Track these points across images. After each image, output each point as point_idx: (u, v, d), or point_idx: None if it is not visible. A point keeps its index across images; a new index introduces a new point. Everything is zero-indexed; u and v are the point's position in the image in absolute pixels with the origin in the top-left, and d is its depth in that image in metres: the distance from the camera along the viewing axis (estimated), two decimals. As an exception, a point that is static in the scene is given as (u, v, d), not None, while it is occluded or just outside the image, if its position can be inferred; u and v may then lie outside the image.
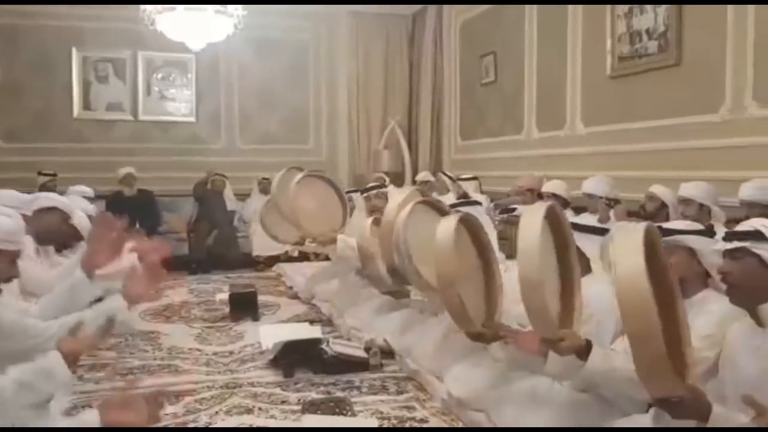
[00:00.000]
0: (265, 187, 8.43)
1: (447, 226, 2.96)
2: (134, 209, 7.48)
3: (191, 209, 8.11)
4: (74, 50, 8.27)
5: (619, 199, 4.81)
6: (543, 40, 6.64)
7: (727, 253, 2.14)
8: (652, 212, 4.44)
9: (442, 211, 3.95)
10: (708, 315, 2.36)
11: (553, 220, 2.60)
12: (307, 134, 9.28)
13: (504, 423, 2.88)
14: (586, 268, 2.88)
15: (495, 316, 3.00)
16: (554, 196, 5.32)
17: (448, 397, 3.32)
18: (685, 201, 4.13)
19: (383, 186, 5.90)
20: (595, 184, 4.95)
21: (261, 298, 5.56)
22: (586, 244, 2.90)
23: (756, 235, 2.07)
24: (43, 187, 7.33)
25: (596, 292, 2.70)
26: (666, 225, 2.60)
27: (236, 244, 8.00)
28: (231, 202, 8.25)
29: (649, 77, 5.23)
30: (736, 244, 2.11)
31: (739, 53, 4.47)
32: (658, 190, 4.54)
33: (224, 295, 5.60)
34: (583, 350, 2.30)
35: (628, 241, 1.89)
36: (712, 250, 2.44)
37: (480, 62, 7.76)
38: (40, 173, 7.54)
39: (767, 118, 4.32)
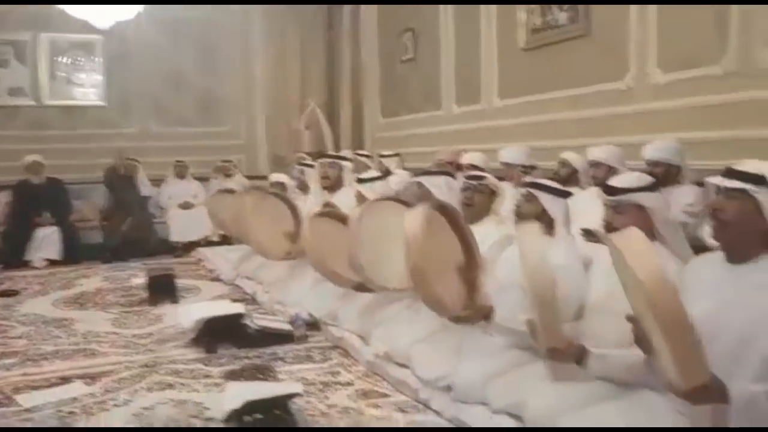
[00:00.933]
0: (180, 171, 8.25)
1: (414, 217, 2.85)
2: (43, 198, 7.18)
3: (103, 196, 7.78)
4: (-30, 33, 7.79)
5: (535, 166, 4.94)
6: (459, 15, 6.71)
7: (725, 191, 2.08)
8: (565, 177, 4.57)
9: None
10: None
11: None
12: (224, 117, 9.07)
13: (429, 377, 2.92)
14: (550, 229, 2.92)
15: (476, 298, 2.92)
16: (473, 167, 5.42)
17: (374, 358, 3.34)
18: (595, 164, 4.26)
19: (342, 158, 5.79)
20: (511, 153, 5.06)
21: (180, 282, 5.43)
22: (552, 206, 2.93)
23: (758, 180, 2.01)
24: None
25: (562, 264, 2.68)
26: (613, 182, 2.60)
27: (152, 230, 7.75)
28: (145, 188, 7.97)
29: (560, 48, 5.37)
30: (736, 183, 2.04)
31: (642, 23, 4.63)
32: (569, 156, 4.69)
33: (141, 280, 5.42)
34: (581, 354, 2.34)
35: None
36: (661, 205, 2.50)
37: (399, 39, 7.78)
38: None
39: (669, 84, 4.51)
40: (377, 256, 3.44)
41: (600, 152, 4.28)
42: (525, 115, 5.84)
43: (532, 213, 2.92)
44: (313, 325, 4.10)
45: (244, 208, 5.26)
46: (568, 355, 2.35)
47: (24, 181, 7.20)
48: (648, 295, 1.73)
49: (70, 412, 2.90)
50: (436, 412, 2.82)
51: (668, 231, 2.45)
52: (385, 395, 3.07)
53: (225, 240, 7.48)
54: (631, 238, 1.87)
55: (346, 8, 8.76)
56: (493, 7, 6.13)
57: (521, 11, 5.69)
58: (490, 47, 6.24)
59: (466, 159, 5.51)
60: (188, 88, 8.81)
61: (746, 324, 1.92)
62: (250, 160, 9.04)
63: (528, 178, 3.60)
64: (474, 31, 6.37)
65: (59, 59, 8.25)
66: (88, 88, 8.43)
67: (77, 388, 3.18)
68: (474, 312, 2.82)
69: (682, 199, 3.73)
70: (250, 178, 8.25)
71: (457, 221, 3.11)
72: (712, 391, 1.81)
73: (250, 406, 2.59)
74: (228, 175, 8.21)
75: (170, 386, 3.21)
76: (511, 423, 2.51)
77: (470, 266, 3.00)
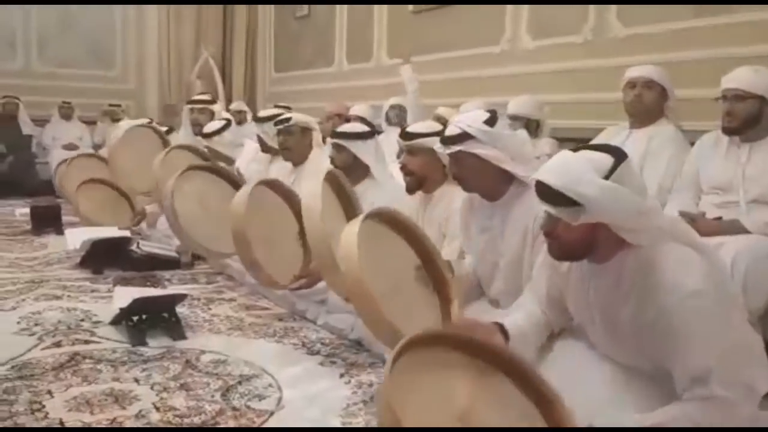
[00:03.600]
0: (66, 112, 8.05)
1: (239, 197, 3.09)
2: None
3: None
4: None
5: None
6: (352, -26, 6.97)
7: (452, 157, 2.39)
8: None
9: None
10: (449, 208, 2.78)
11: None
12: (113, 61, 8.89)
13: (306, 292, 3.21)
14: (366, 173, 3.26)
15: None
16: (360, 119, 5.74)
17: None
18: (515, 118, 4.30)
19: (210, 102, 5.83)
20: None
21: (65, 219, 5.41)
22: (361, 150, 3.25)
23: (464, 137, 2.32)
24: None
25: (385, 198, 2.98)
26: (408, 128, 2.95)
27: (34, 170, 7.57)
28: (27, 126, 7.74)
29: (445, 12, 5.77)
30: (451, 148, 2.36)
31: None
32: (443, 111, 5.08)
33: (24, 210, 5.38)
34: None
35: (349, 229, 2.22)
36: None
37: (294, -5, 7.94)
38: None
39: (537, 50, 5.01)
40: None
41: (516, 106, 4.33)
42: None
43: (346, 162, 3.25)
44: (199, 257, 4.30)
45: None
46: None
47: None
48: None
49: (-44, 317, 2.99)
50: (311, 321, 3.14)
51: None
52: (266, 309, 3.35)
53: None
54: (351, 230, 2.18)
55: (244, -40, 8.78)
56: (386, -32, 6.43)
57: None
58: (381, 8, 6.55)
59: (353, 111, 5.82)
60: (76, 28, 8.55)
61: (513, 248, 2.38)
62: (139, 106, 8.92)
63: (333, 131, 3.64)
64: (368, -9, 6.66)
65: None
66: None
67: (-39, 298, 3.26)
68: (312, 279, 2.97)
69: (540, 149, 4.21)
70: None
71: (284, 192, 3.37)
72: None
73: (138, 305, 2.80)
74: (116, 120, 8.08)
75: (57, 297, 3.35)
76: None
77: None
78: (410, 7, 6.13)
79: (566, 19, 4.71)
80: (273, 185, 3.41)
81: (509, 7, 5.16)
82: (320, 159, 3.88)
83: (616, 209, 1.66)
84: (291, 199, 3.36)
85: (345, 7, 7.12)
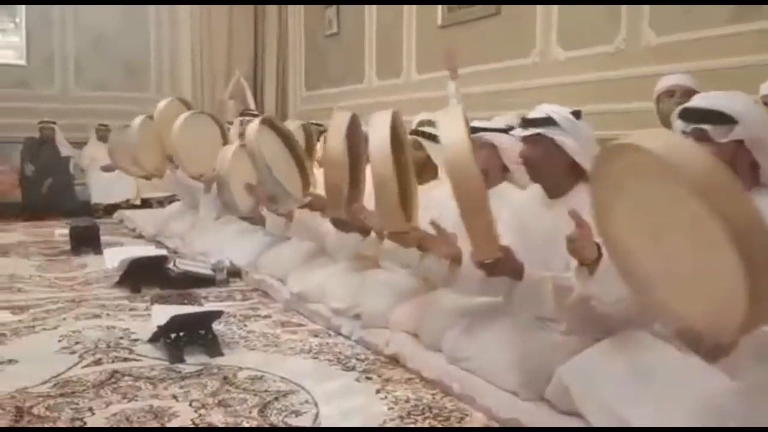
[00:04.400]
0: (103, 134, 8.21)
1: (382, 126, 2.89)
2: (-41, 155, 7.07)
3: (21, 156, 7.70)
4: None
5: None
6: (381, -9, 7.03)
7: (525, 139, 2.41)
8: None
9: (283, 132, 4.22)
10: (507, 205, 2.75)
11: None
12: (147, 82, 9.07)
13: (340, 307, 3.23)
14: (435, 174, 3.26)
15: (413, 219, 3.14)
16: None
17: (291, 295, 3.63)
18: None
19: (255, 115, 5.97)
20: None
21: (103, 239, 5.52)
22: (436, 152, 3.19)
23: (547, 122, 2.34)
24: None
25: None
26: (473, 123, 2.99)
27: (73, 191, 7.75)
28: (65, 149, 7.94)
29: (473, 26, 5.77)
30: (531, 130, 2.37)
31: (547, 5, 5.08)
32: (426, 115, 5.06)
33: (64, 231, 5.50)
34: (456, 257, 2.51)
35: (451, 122, 2.20)
36: (511, 146, 2.88)
37: (323, 13, 8.02)
38: None
39: (569, 61, 4.98)
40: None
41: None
42: (441, 89, 6.20)
43: (419, 160, 3.24)
44: (234, 272, 4.35)
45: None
46: (410, 239, 2.57)
47: (-61, 137, 7.07)
48: (448, 165, 2.07)
49: (0, 334, 3.05)
50: (345, 336, 3.14)
51: (517, 169, 2.77)
52: (301, 324, 3.36)
53: (146, 203, 7.57)
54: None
55: (273, -20, 8.92)
56: (415, -16, 6.47)
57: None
58: (410, 23, 6.59)
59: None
60: (112, 51, 8.75)
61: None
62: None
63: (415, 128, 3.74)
64: (396, 8, 6.69)
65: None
66: (6, 49, 8.26)
67: (5, 316, 3.33)
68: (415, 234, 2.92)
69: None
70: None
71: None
72: (504, 266, 2.20)
73: (175, 323, 2.83)
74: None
75: (97, 316, 3.41)
76: (410, 340, 2.85)
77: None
78: (438, 21, 6.15)
79: (597, 29, 4.67)
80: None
81: (539, 19, 5.15)
82: None
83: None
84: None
85: (374, 23, 7.17)
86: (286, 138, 4.18)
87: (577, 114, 2.37)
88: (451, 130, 2.17)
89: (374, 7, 7.14)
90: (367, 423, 2.17)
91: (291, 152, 4.13)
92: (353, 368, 2.71)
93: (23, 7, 8.19)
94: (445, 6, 6.02)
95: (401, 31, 6.70)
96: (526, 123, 2.41)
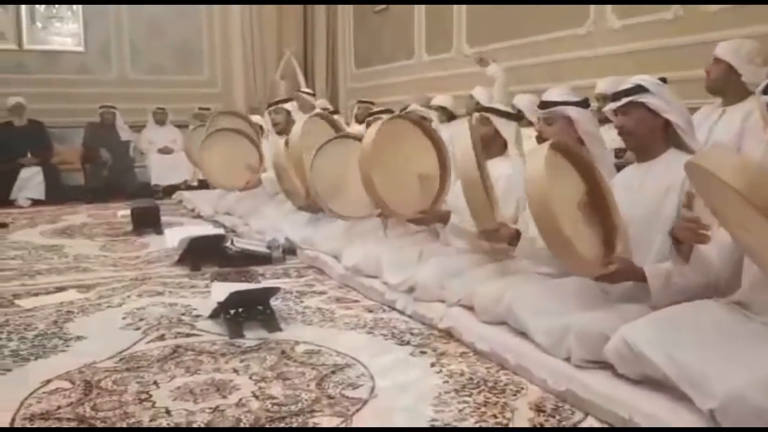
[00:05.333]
0: (160, 117, 8.43)
1: (371, 130, 3.33)
2: (25, 139, 7.36)
3: (82, 142, 7.97)
4: (-53, -25, 7.81)
5: None
6: (428, -35, 6.94)
7: (619, 110, 2.49)
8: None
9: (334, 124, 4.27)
10: None
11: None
12: (200, 65, 9.23)
13: (394, 281, 3.25)
14: (503, 150, 3.28)
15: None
16: (442, 108, 5.74)
17: (345, 270, 3.67)
18: (603, 97, 4.31)
19: (284, 101, 6.01)
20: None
21: (163, 219, 5.67)
22: (504, 128, 3.26)
23: (638, 89, 2.43)
24: None
25: (509, 174, 3.12)
26: (545, 96, 2.97)
27: (133, 174, 7.98)
28: (125, 132, 8.16)
29: (525, -3, 5.66)
30: (624, 100, 2.45)
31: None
32: (478, 91, 5.19)
33: (126, 212, 5.68)
34: (515, 237, 2.76)
35: (536, 154, 2.30)
36: (587, 118, 2.84)
37: (372, -11, 7.99)
38: None
39: (624, 29, 4.83)
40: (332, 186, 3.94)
41: (605, 86, 4.35)
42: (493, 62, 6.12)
43: (487, 134, 3.27)
44: (290, 250, 4.41)
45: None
46: (500, 236, 2.74)
47: (7, 123, 7.39)
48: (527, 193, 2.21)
49: (68, 312, 3.19)
50: (400, 311, 3.16)
51: (591, 141, 2.80)
52: (356, 300, 3.40)
53: (203, 184, 7.73)
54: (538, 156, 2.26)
55: (322, -42, 8.91)
56: (463, -42, 6.37)
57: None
58: (460, -3, 6.50)
59: (435, 101, 5.81)
60: (165, 35, 8.93)
61: (651, 205, 2.31)
62: (226, 108, 9.16)
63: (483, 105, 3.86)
64: (446, -20, 6.61)
65: (37, 9, 8.30)
66: (64, 36, 8.50)
67: (73, 295, 3.48)
68: (431, 215, 3.23)
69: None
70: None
71: (429, 131, 3.50)
72: (622, 275, 2.26)
73: (234, 299, 2.91)
74: (204, 123, 8.39)
75: (160, 294, 3.52)
76: (464, 313, 2.85)
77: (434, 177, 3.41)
78: (489, -6, 6.04)
79: (654, -5, 4.52)
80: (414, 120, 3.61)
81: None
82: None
83: None
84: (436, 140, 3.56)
85: (423, -3, 7.11)
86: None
87: (662, 80, 2.49)
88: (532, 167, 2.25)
89: (423, -20, 7.07)
90: (422, 396, 2.19)
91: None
92: (408, 342, 2.73)
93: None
94: (496, -23, 5.91)
95: (451, 5, 6.62)
96: (617, 95, 2.51)
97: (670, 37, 4.45)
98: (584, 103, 2.88)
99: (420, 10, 7.16)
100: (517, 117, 3.40)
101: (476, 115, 3.43)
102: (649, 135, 2.45)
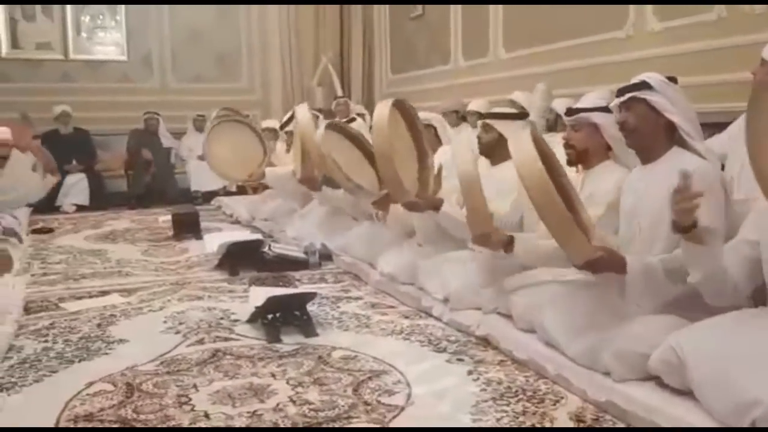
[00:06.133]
0: (200, 124, 8.55)
1: (381, 109, 3.32)
2: (70, 147, 7.57)
3: (126, 147, 8.14)
4: (-3, -13, 8.07)
5: None
6: (467, -30, 6.92)
7: (622, 105, 2.45)
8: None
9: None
10: (608, 182, 2.74)
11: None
12: (239, 73, 9.35)
13: (430, 289, 3.24)
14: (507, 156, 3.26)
15: (429, 191, 3.42)
16: (476, 113, 5.72)
17: (381, 276, 3.68)
18: None
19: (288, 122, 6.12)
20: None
21: (202, 224, 5.76)
22: (507, 130, 3.25)
23: (641, 86, 2.39)
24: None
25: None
26: (578, 103, 2.95)
27: (174, 180, 8.12)
28: (166, 140, 8.31)
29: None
30: (626, 95, 2.42)
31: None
32: (518, 95, 5.11)
33: (167, 217, 5.78)
34: (508, 243, 2.76)
35: (519, 137, 2.33)
36: (612, 123, 2.81)
37: (408, -4, 8.00)
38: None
39: (665, 31, 4.74)
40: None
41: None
42: (529, 66, 6.07)
43: (491, 141, 3.34)
44: (326, 255, 4.44)
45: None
46: (493, 242, 2.75)
47: (53, 131, 7.61)
48: (520, 176, 2.18)
49: (111, 315, 3.26)
50: (436, 318, 3.15)
51: (618, 146, 2.75)
52: (392, 306, 3.40)
53: (242, 190, 7.82)
54: (522, 137, 2.30)
55: (359, -36, 8.96)
56: (500, -39, 6.33)
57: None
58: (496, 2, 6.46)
59: (470, 105, 5.79)
60: (205, 44, 9.07)
61: (656, 208, 2.29)
62: (264, 115, 9.29)
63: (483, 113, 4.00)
64: (482, -15, 6.58)
65: (84, 16, 8.53)
66: (108, 45, 8.70)
67: (115, 299, 3.55)
68: (426, 201, 3.34)
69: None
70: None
71: (413, 121, 3.65)
72: (606, 263, 2.23)
73: (272, 304, 2.93)
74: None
75: (199, 298, 3.57)
76: (502, 321, 2.83)
77: (423, 165, 3.59)
78: (527, -3, 5.99)
79: (696, -4, 4.43)
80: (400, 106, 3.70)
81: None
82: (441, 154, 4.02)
83: None
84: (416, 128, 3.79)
85: (459, 3, 7.08)
86: (353, 138, 4.35)
87: (672, 79, 2.43)
88: (521, 151, 2.26)
89: (459, -15, 7.05)
90: (459, 404, 2.18)
91: (361, 151, 4.26)
92: (444, 349, 2.72)
93: (123, 5, 8.60)
94: (533, -19, 5.87)
95: (488, 9, 6.59)
96: (621, 90, 2.47)
97: (713, 39, 4.35)
98: (609, 109, 2.84)
99: (456, 15, 7.14)
100: (520, 116, 3.41)
101: (479, 123, 3.48)
102: (651, 134, 2.39)
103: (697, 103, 4.20)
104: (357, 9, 9.08)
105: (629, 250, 2.46)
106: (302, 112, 4.71)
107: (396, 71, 8.66)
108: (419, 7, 7.82)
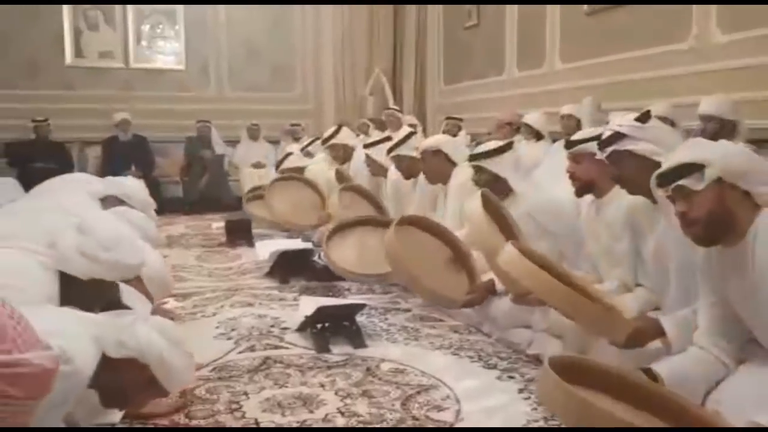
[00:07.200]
0: (253, 133, 8.71)
1: (389, 237, 3.24)
2: (129, 153, 7.79)
3: (182, 154, 8.33)
4: (64, -3, 8.37)
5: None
6: (524, -19, 6.87)
7: (607, 159, 2.42)
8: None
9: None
10: (618, 208, 2.63)
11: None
12: (293, 83, 9.46)
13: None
14: (508, 189, 3.23)
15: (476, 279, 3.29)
16: (528, 126, 5.67)
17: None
18: (706, 118, 4.11)
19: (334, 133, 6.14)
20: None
21: (254, 232, 5.84)
22: (496, 166, 3.23)
23: (616, 137, 2.35)
24: (36, 132, 7.61)
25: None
26: (572, 137, 2.87)
27: (227, 187, 8.27)
28: (219, 147, 8.46)
29: (622, 11, 5.49)
30: (606, 150, 2.39)
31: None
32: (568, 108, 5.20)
33: (220, 224, 5.88)
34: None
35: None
36: None
37: (462, 7, 7.98)
38: (33, 120, 7.73)
39: (730, 44, 4.60)
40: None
41: (709, 106, 4.12)
42: (586, 78, 5.97)
43: (487, 181, 3.26)
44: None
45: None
46: (533, 300, 2.50)
47: (113, 137, 7.86)
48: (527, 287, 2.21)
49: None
50: (485, 334, 3.11)
51: None
52: (441, 320, 3.37)
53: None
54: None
55: (413, -24, 8.99)
56: (558, -28, 6.26)
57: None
58: (554, 12, 6.38)
59: (525, 119, 5.73)
60: (261, 54, 9.22)
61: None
62: (316, 124, 9.38)
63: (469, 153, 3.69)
64: (539, -4, 6.52)
65: (144, 25, 8.78)
66: (167, 55, 8.93)
67: (171, 303, 3.60)
68: (480, 293, 3.09)
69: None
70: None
71: (428, 225, 3.47)
72: (647, 335, 2.14)
73: (322, 314, 2.94)
74: (296, 139, 8.61)
75: (250, 305, 3.62)
76: (553, 340, 2.76)
77: (459, 256, 3.35)
78: (584, 7, 5.90)
79: (763, 8, 4.28)
80: (415, 222, 3.51)
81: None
82: (461, 173, 3.90)
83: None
84: (436, 229, 3.48)
85: (515, 13, 7.02)
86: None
87: (644, 117, 2.35)
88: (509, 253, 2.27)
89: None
90: (509, 422, 2.14)
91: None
92: (494, 366, 2.68)
93: (182, 15, 8.82)
94: (593, -9, 5.78)
95: (544, 20, 6.51)
96: (600, 145, 2.45)
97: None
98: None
99: (512, 25, 7.08)
100: (508, 146, 3.32)
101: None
102: (647, 180, 2.14)
103: (762, 119, 4.13)
104: (411, 18, 9.09)
105: (664, 299, 2.41)
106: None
107: (449, 81, 8.63)
108: (474, 16, 7.79)
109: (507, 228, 3.04)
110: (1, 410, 1.11)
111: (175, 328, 1.97)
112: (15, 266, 2.01)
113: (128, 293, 2.36)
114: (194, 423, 2.16)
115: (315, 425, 2.13)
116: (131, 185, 3.57)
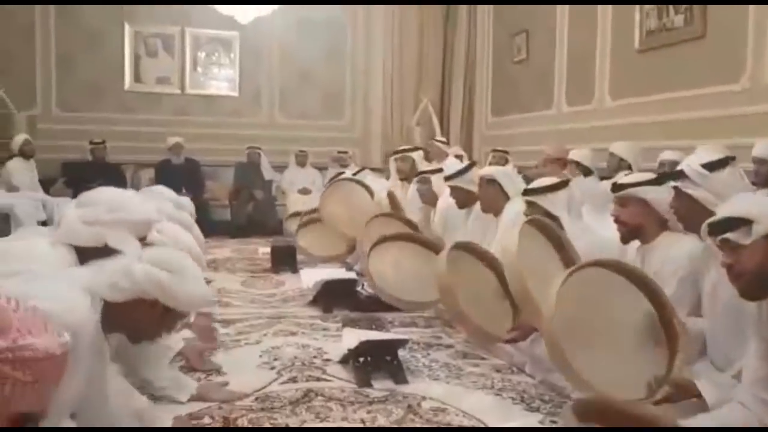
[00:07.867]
0: (301, 159, 8.86)
1: (440, 263, 3.26)
2: (181, 176, 7.98)
3: (232, 178, 8.52)
4: (126, 25, 8.69)
5: None
6: (574, 17, 6.87)
7: (672, 190, 2.50)
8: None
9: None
10: (677, 254, 2.60)
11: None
12: (342, 111, 9.60)
13: (523, 345, 3.17)
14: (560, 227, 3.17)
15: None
16: (577, 164, 5.61)
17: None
18: (760, 161, 4.12)
19: (411, 150, 6.13)
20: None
21: (299, 257, 5.90)
22: (550, 203, 3.20)
23: (678, 175, 2.46)
24: (93, 153, 7.88)
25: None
26: (618, 180, 2.87)
27: (274, 211, 8.40)
28: (268, 172, 8.62)
29: (675, 50, 5.44)
30: (670, 184, 2.52)
31: (760, 24, 4.67)
32: (668, 155, 4.83)
33: (266, 249, 5.97)
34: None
35: None
36: (661, 196, 2.68)
37: (512, 40, 8.02)
38: (90, 142, 8.01)
39: (786, 86, 4.53)
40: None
41: (763, 149, 4.11)
42: (636, 116, 5.92)
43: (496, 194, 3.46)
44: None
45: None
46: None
47: (166, 161, 8.09)
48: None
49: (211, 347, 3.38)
50: (529, 375, 3.08)
51: (675, 219, 2.64)
52: (483, 358, 3.34)
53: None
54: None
55: (464, 8, 9.07)
56: (609, 8, 6.24)
57: (637, 13, 5.80)
58: (604, 48, 6.36)
59: (572, 155, 5.69)
60: (312, 83, 9.40)
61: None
62: (363, 153, 9.51)
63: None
64: (590, 32, 6.50)
65: (200, 52, 9.06)
66: (221, 81, 9.19)
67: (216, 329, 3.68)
68: (523, 330, 3.02)
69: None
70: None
71: (481, 254, 3.44)
72: (679, 396, 2.18)
73: (364, 347, 2.96)
74: (343, 166, 8.71)
75: (293, 334, 3.66)
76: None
77: (507, 289, 3.21)
78: (636, 45, 5.87)
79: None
80: (467, 248, 3.48)
81: (751, 40, 4.74)
82: (512, 207, 3.85)
83: None
84: (486, 258, 3.45)
85: (565, 47, 7.03)
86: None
87: (713, 165, 2.41)
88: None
89: (566, 31, 7.00)
90: (551, 470, 2.12)
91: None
92: (537, 409, 2.66)
93: (238, 43, 9.07)
94: (644, 29, 5.75)
95: (594, 56, 6.49)
96: (615, 188, 2.68)
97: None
98: (656, 181, 2.74)
99: (561, 60, 7.08)
100: (564, 184, 3.30)
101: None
102: (701, 221, 2.10)
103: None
104: (460, 50, 9.16)
105: (716, 339, 2.37)
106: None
107: (496, 113, 8.65)
108: (523, 51, 7.82)
109: (562, 250, 3.04)
110: (9, 392, 1.16)
111: (171, 253, 2.04)
112: (24, 251, 2.11)
113: (115, 237, 2.26)
114: (237, 454, 2.19)
115: (355, 462, 2.14)
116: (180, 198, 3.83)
